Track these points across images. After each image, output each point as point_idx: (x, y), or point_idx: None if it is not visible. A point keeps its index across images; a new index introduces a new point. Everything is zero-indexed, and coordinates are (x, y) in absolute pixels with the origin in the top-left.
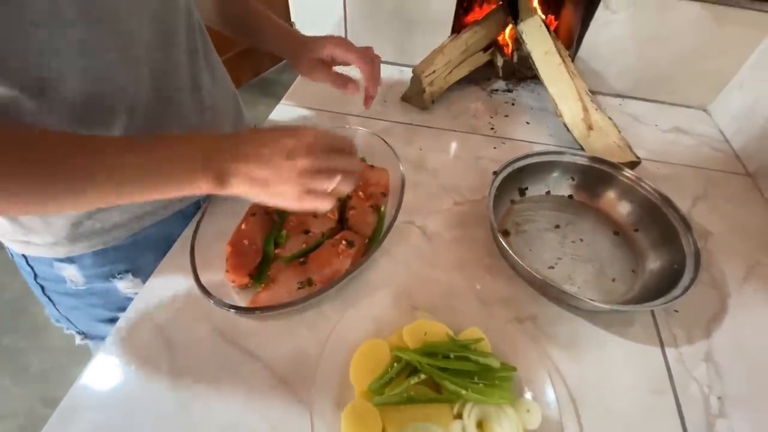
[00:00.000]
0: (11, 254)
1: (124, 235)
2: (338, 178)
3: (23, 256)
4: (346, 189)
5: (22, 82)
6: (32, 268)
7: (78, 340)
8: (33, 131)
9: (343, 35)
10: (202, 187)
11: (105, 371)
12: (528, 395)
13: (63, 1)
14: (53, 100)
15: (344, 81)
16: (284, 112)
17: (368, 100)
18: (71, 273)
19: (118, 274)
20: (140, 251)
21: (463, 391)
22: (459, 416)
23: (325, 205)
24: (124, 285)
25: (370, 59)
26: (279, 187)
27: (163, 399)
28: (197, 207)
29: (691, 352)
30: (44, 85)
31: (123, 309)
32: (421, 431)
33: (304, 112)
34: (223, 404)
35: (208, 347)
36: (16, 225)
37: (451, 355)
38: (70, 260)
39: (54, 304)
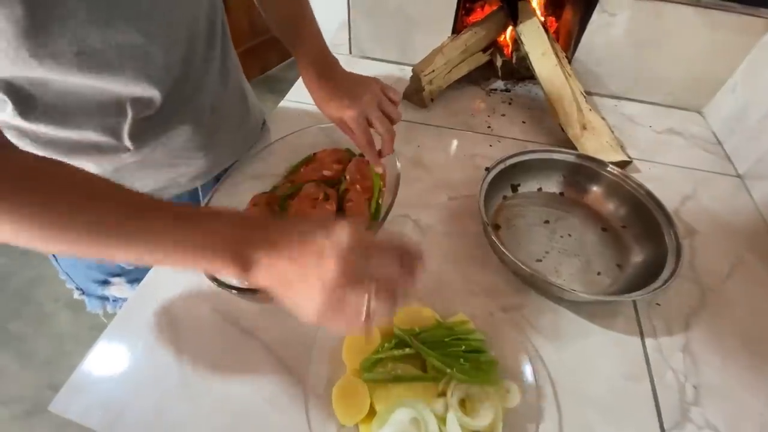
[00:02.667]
0: None
1: None
2: (372, 297)
3: None
4: (386, 312)
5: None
6: None
7: (76, 294)
8: (85, 177)
9: (346, 34)
10: (224, 272)
11: (114, 347)
12: (510, 378)
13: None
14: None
15: (375, 156)
16: (288, 109)
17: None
18: None
19: None
20: None
21: (449, 370)
22: (443, 395)
23: (353, 328)
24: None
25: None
26: (300, 296)
27: (168, 373)
28: (193, 193)
29: (670, 343)
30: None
31: (116, 275)
32: (406, 406)
33: (308, 108)
34: (223, 379)
35: (210, 326)
36: None
37: (446, 339)
38: None
39: (56, 259)
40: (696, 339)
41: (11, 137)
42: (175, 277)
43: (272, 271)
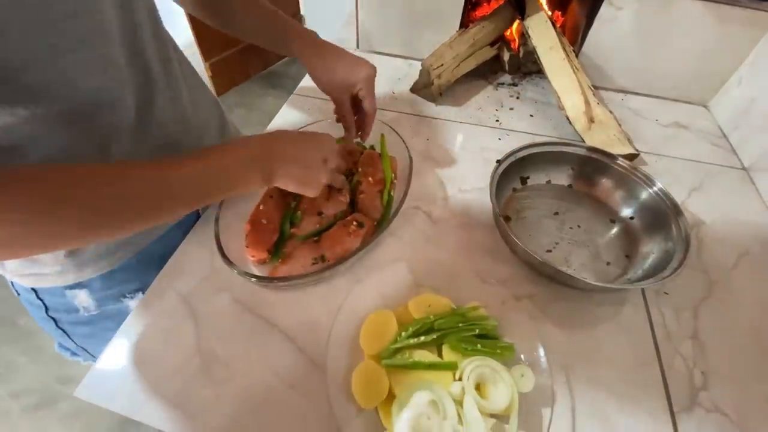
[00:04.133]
0: (17, 292)
1: (129, 254)
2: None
3: (32, 289)
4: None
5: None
6: (42, 300)
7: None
8: (109, 169)
9: (353, 29)
10: (253, 187)
11: (136, 335)
12: (523, 363)
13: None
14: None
15: (350, 125)
16: (297, 103)
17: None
18: (83, 299)
19: (129, 293)
20: (147, 269)
21: (469, 347)
22: (459, 379)
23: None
24: (135, 304)
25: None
26: (311, 185)
27: (189, 361)
28: (196, 217)
29: (678, 331)
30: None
31: None
32: (424, 388)
33: (318, 102)
34: (244, 366)
35: (230, 315)
36: (23, 259)
37: (460, 325)
38: (80, 285)
39: (69, 336)
40: (704, 327)
41: None
42: (194, 268)
43: (290, 176)
